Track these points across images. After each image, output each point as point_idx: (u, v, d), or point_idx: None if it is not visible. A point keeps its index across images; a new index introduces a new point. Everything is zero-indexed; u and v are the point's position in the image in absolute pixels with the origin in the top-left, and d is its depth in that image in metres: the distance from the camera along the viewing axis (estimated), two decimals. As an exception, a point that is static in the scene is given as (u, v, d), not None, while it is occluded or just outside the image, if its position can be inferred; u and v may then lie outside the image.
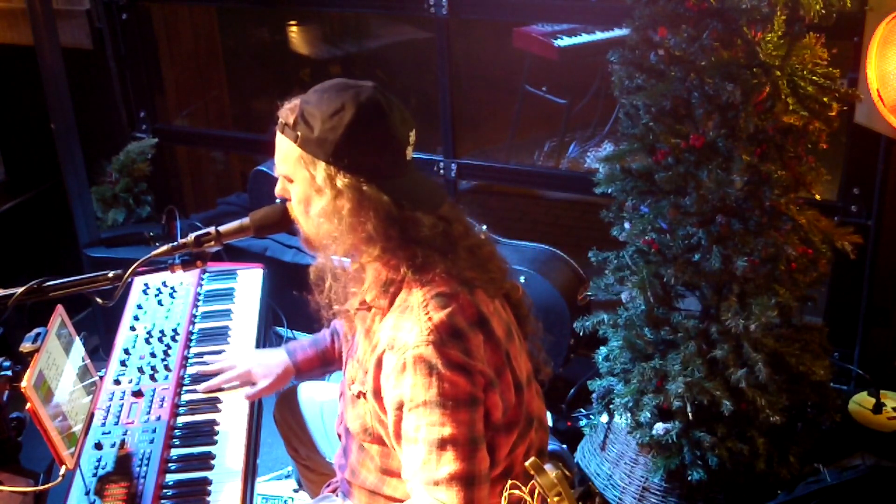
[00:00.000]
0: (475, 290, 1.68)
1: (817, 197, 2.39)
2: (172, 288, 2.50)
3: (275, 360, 2.16)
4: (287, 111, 1.70)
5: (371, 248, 1.65)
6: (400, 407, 1.62)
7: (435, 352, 1.58)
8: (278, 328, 3.70)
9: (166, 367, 2.16)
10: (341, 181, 1.63)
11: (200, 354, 2.25)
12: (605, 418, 2.70)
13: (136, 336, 2.29)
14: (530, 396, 1.81)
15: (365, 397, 1.74)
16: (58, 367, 1.72)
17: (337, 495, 2.02)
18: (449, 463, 1.57)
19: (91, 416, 1.86)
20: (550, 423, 2.88)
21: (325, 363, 2.19)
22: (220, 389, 2.12)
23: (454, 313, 1.61)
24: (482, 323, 1.66)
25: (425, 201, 1.71)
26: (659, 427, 2.45)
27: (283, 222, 1.83)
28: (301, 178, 1.68)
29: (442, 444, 1.58)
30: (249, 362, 2.16)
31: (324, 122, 1.62)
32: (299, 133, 1.65)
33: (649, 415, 2.42)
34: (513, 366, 1.73)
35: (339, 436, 1.99)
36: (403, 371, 1.59)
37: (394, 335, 1.62)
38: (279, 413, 2.36)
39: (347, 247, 1.66)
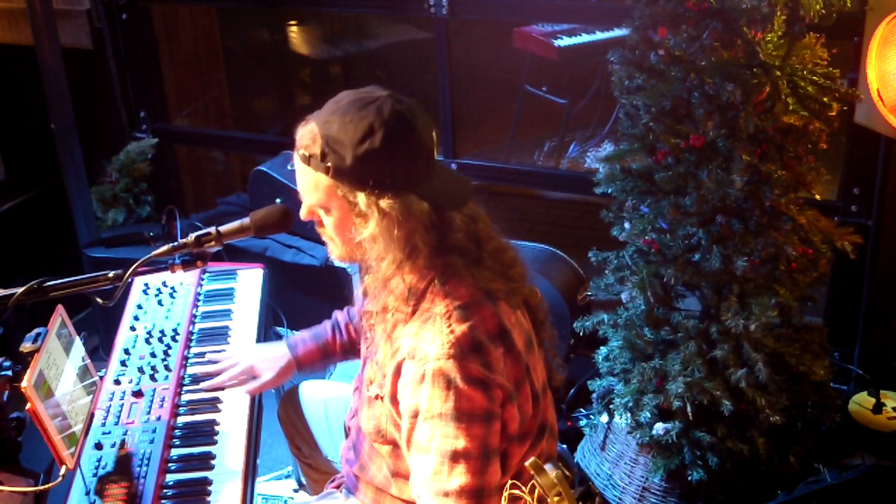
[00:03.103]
0: (498, 301, 1.67)
1: (817, 197, 2.39)
2: (172, 288, 2.50)
3: (277, 354, 2.17)
4: (307, 139, 1.63)
5: (414, 259, 1.63)
6: (415, 415, 1.61)
7: (455, 365, 1.57)
8: (278, 328, 3.70)
9: (166, 367, 2.16)
10: (386, 202, 1.59)
11: (200, 354, 2.26)
12: (605, 418, 2.70)
13: (137, 336, 2.29)
14: (545, 406, 1.81)
15: (382, 400, 1.73)
16: (58, 367, 1.72)
17: (340, 491, 2.01)
18: (460, 476, 1.57)
19: (91, 416, 1.86)
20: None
21: (326, 356, 2.18)
22: (223, 388, 2.12)
23: (476, 326, 1.60)
24: (503, 335, 1.65)
25: (458, 197, 1.69)
26: (659, 427, 2.45)
27: (284, 222, 1.82)
28: (338, 206, 1.64)
29: (454, 457, 1.57)
30: (252, 358, 2.17)
31: (355, 149, 1.57)
32: (330, 164, 1.59)
33: (649, 415, 2.42)
34: (531, 378, 1.72)
35: (349, 429, 1.99)
36: (422, 382, 1.59)
37: (415, 345, 1.61)
38: (283, 411, 2.36)
39: (393, 262, 1.63)
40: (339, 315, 2.19)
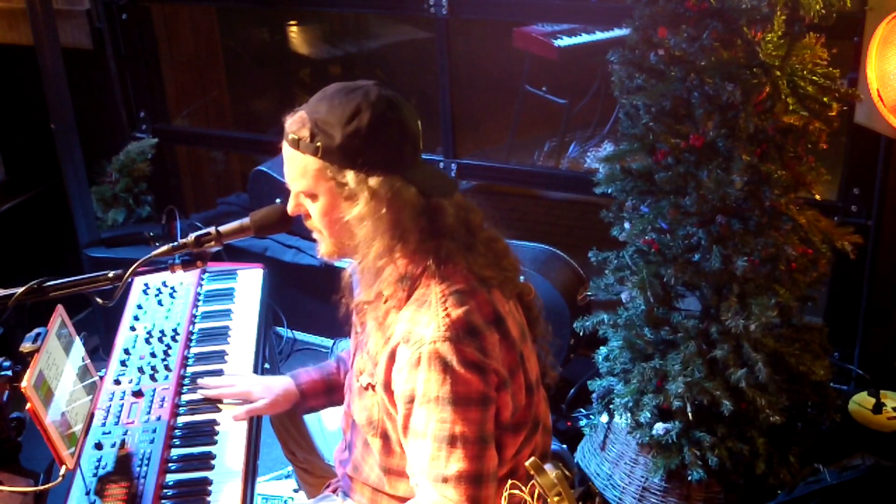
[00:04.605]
0: (492, 289, 1.68)
1: (817, 197, 2.39)
2: (172, 288, 2.50)
3: (277, 383, 2.11)
4: (296, 125, 1.65)
5: (405, 243, 1.64)
6: (411, 400, 1.61)
7: (451, 348, 1.57)
8: (278, 328, 3.71)
9: (166, 367, 2.16)
10: (374, 181, 1.61)
11: (200, 354, 2.26)
12: (605, 418, 2.71)
13: (137, 336, 2.29)
14: (538, 399, 1.81)
15: (374, 389, 1.73)
16: (58, 367, 1.72)
17: (337, 494, 2.01)
18: (458, 461, 1.57)
19: (91, 416, 1.86)
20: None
21: (330, 388, 2.13)
22: (220, 401, 2.09)
23: (471, 311, 1.61)
24: (498, 322, 1.66)
25: (445, 187, 1.71)
26: (659, 427, 2.45)
27: (284, 222, 1.82)
28: (326, 190, 1.65)
29: (452, 442, 1.58)
30: (250, 382, 2.11)
31: (343, 127, 1.59)
32: (319, 144, 1.61)
33: (649, 415, 2.42)
34: (525, 367, 1.73)
35: (343, 431, 1.99)
36: (418, 365, 1.59)
37: (410, 329, 1.62)
38: (275, 416, 2.35)
39: (383, 247, 1.64)
40: (343, 353, 2.18)
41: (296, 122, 1.65)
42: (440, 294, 1.62)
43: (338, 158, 1.61)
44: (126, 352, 2.22)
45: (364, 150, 1.60)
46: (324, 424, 2.26)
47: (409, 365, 1.60)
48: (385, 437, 1.76)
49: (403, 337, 1.62)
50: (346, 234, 1.68)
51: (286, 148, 1.68)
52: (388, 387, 1.68)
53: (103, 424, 1.97)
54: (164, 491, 1.81)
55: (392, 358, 1.65)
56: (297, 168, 1.66)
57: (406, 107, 1.66)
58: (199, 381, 2.13)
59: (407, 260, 1.67)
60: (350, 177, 1.61)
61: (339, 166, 1.62)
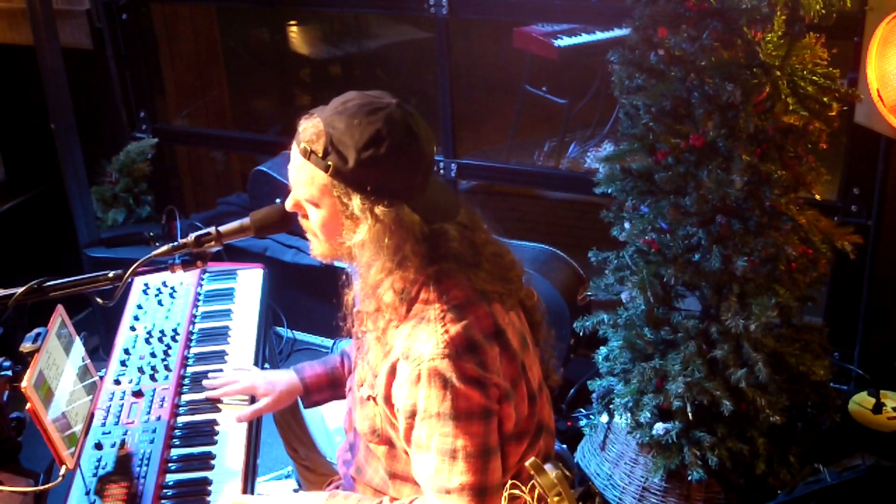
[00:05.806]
0: (493, 302, 1.66)
1: (817, 197, 2.39)
2: (172, 288, 2.50)
3: (280, 378, 2.10)
4: (310, 133, 1.60)
5: (404, 269, 1.62)
6: (412, 415, 1.61)
7: (450, 365, 1.56)
8: (278, 328, 3.71)
9: (166, 367, 2.16)
10: (380, 210, 1.58)
11: (200, 354, 2.26)
12: (605, 418, 2.71)
13: (136, 336, 2.29)
14: (541, 404, 1.81)
15: (375, 401, 1.73)
16: (58, 367, 1.72)
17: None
18: (461, 474, 1.57)
19: (91, 416, 1.86)
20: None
21: (334, 382, 2.12)
22: (220, 401, 2.09)
23: (470, 326, 1.60)
24: (498, 335, 1.64)
25: (449, 211, 1.68)
26: (659, 427, 2.45)
27: (284, 222, 1.82)
28: (329, 205, 1.63)
29: (454, 455, 1.57)
30: (253, 377, 2.11)
31: (359, 153, 1.55)
32: (331, 163, 1.57)
33: (649, 415, 2.42)
34: (527, 377, 1.72)
35: (346, 431, 1.98)
36: (418, 382, 1.58)
37: (409, 345, 1.60)
38: (279, 413, 2.35)
39: (381, 269, 1.62)
40: (348, 348, 2.18)
41: (310, 131, 1.61)
42: (439, 310, 1.61)
43: (347, 181, 1.58)
44: (126, 352, 2.22)
45: (376, 178, 1.57)
46: (325, 422, 2.26)
47: (409, 381, 1.60)
48: (390, 444, 1.76)
49: (403, 353, 1.61)
50: (343, 249, 1.67)
51: (296, 153, 1.64)
52: (388, 400, 1.67)
53: (103, 424, 1.97)
54: (164, 491, 1.81)
55: (392, 373, 1.65)
56: (305, 176, 1.63)
57: (424, 131, 1.62)
58: (204, 382, 2.13)
59: (404, 282, 1.65)
60: (356, 201, 1.59)
61: (346, 189, 1.59)
